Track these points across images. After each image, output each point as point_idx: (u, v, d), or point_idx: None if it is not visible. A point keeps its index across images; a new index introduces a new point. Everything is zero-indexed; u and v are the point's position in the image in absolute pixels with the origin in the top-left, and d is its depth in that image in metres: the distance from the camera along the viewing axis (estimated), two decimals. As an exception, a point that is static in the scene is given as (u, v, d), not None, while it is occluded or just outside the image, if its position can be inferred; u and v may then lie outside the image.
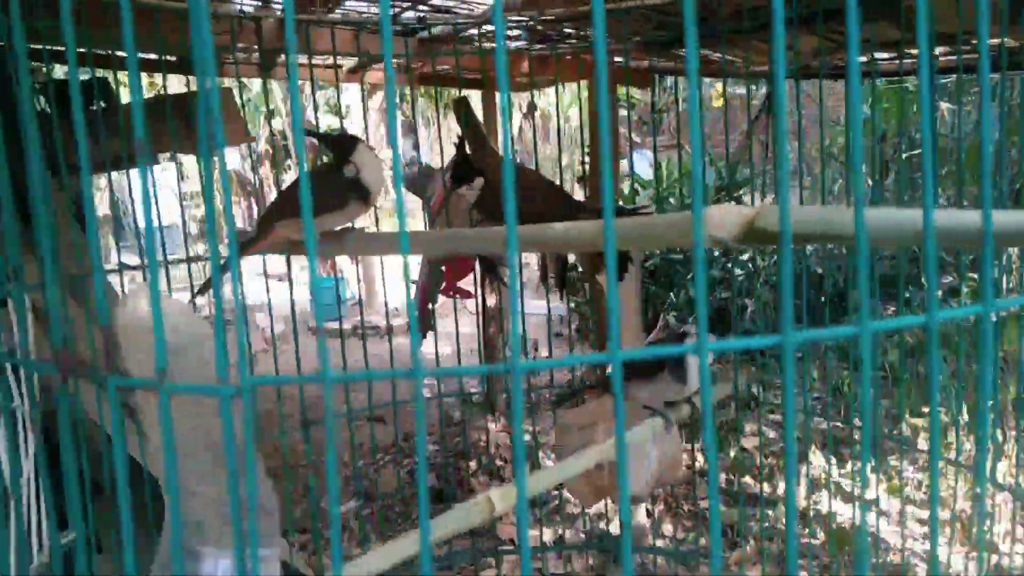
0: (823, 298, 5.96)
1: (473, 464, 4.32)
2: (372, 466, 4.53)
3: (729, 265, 6.13)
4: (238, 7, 2.93)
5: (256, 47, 2.97)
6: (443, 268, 4.12)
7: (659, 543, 3.42)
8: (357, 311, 8.64)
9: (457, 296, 4.30)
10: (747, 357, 5.52)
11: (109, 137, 2.49)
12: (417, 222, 8.37)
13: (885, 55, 3.39)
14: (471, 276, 4.27)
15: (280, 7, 2.95)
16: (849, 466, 3.78)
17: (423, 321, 4.17)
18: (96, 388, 1.60)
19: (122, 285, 2.75)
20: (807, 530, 3.28)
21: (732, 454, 3.96)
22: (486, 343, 5.21)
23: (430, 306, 4.15)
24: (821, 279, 6.04)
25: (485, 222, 3.43)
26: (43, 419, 1.67)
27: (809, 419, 4.36)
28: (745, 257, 6.29)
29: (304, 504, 4.13)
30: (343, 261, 9.92)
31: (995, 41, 2.27)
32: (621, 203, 5.82)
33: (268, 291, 3.11)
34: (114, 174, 2.71)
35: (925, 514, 3.32)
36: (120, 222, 13.62)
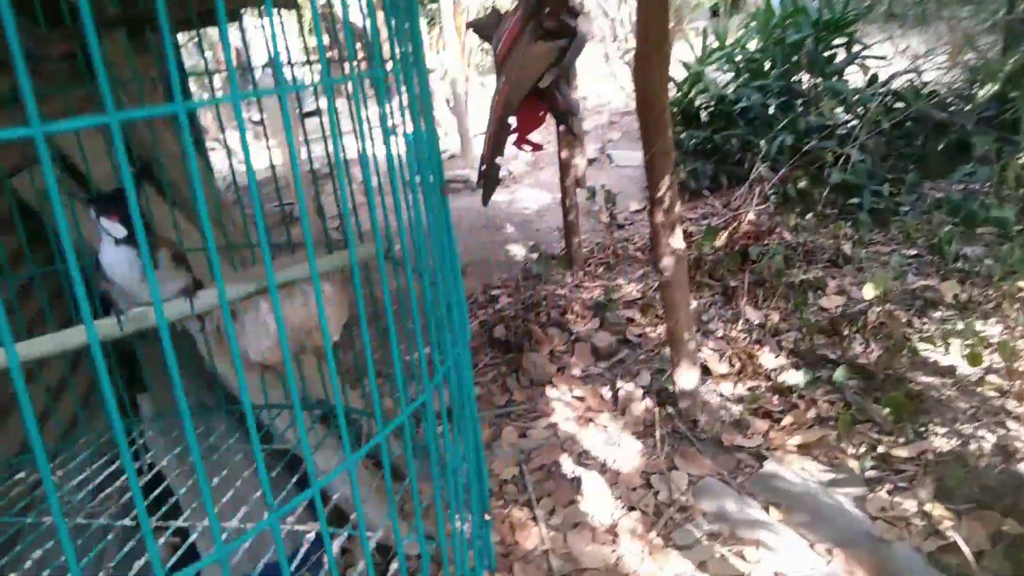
0: (940, 146, 5.44)
1: (543, 316, 4.36)
2: (447, 317, 4.66)
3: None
4: None
5: None
6: (511, 120, 3.99)
7: (719, 402, 3.40)
8: (451, 164, 8.67)
9: (527, 149, 4.19)
10: (839, 213, 5.18)
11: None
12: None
13: None
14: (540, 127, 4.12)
15: None
16: (938, 327, 3.55)
17: (488, 176, 4.10)
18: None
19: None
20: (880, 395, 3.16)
21: (805, 314, 3.80)
22: (564, 197, 5.12)
23: (497, 160, 4.06)
24: (941, 126, 5.48)
25: (557, 81, 3.26)
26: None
27: (903, 279, 4.09)
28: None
29: (385, 348, 4.34)
30: (441, 113, 9.85)
31: None
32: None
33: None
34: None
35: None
36: (245, 72, 13.95)
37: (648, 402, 3.46)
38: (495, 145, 3.92)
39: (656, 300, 4.29)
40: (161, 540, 2.57)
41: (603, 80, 11.27)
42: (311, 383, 2.66)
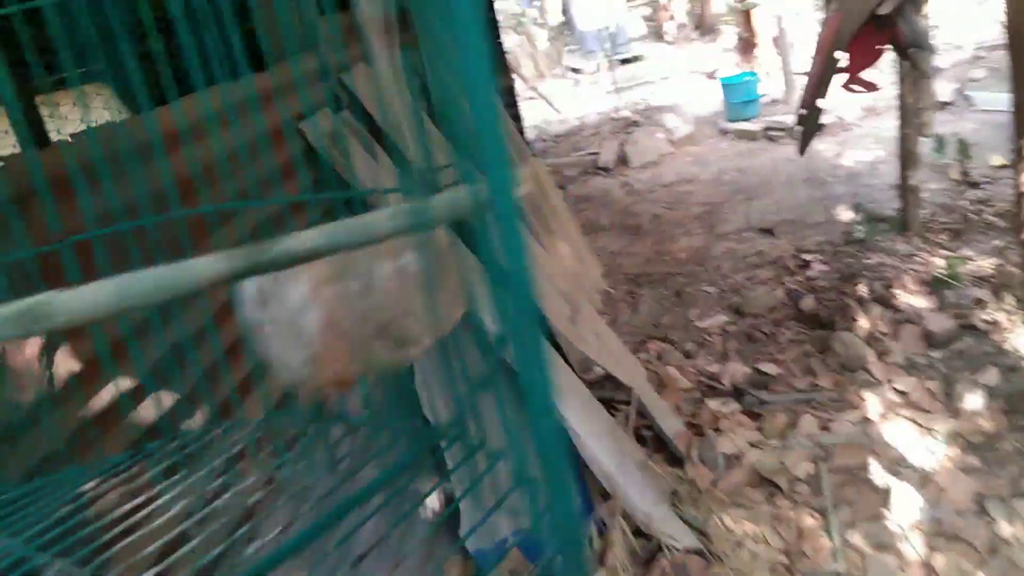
0: None
1: (863, 289, 3.75)
2: (749, 280, 4.24)
3: None
4: None
5: None
6: (840, 56, 3.41)
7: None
8: (772, 110, 7.93)
9: (859, 90, 3.57)
10: None
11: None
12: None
13: None
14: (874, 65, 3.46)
15: None
16: None
17: (808, 121, 3.56)
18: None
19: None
20: None
21: None
22: (904, 147, 4.33)
23: (820, 103, 3.51)
24: None
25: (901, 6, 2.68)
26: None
27: None
28: None
29: (675, 312, 4.08)
30: (765, 52, 9.04)
31: None
32: None
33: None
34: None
35: None
36: (568, 26, 14.29)
37: (993, 406, 2.79)
38: (818, 85, 3.37)
39: (1016, 279, 3.44)
40: (432, 491, 2.65)
41: (966, 5, 9.48)
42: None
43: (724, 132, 7.41)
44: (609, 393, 3.00)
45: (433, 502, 2.60)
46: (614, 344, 3.10)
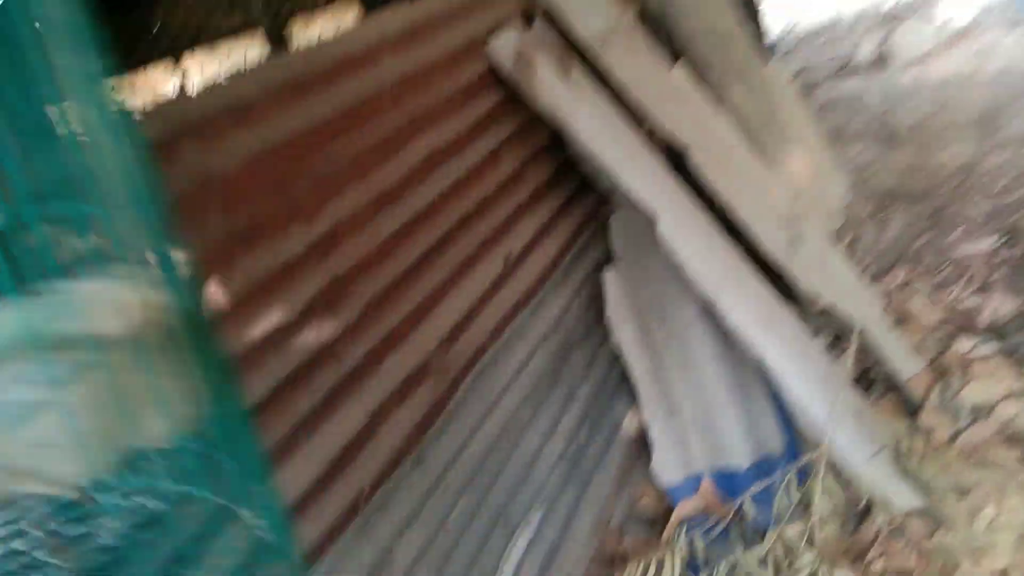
0: None
1: None
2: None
3: None
4: None
5: None
6: None
7: None
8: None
9: None
10: None
11: None
12: None
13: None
14: None
15: None
16: None
17: None
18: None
19: None
20: None
21: None
22: None
23: None
24: None
25: None
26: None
27: None
28: None
29: (930, 234, 3.55)
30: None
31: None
32: None
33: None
34: None
35: None
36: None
37: None
38: None
39: None
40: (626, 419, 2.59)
41: None
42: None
43: (1015, 23, 6.16)
44: (838, 327, 2.69)
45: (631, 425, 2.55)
46: (843, 272, 2.76)
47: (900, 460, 2.24)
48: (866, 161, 4.41)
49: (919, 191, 3.92)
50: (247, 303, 1.30)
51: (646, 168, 2.14)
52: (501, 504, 1.98)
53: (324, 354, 1.47)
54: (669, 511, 2.35)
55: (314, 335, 1.45)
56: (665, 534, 2.22)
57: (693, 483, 2.34)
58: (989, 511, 2.07)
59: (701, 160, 2.32)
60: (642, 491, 2.49)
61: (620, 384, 2.49)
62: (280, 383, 1.37)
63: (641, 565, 2.03)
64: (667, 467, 2.36)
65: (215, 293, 1.24)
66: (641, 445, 2.47)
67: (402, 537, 1.61)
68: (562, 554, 2.25)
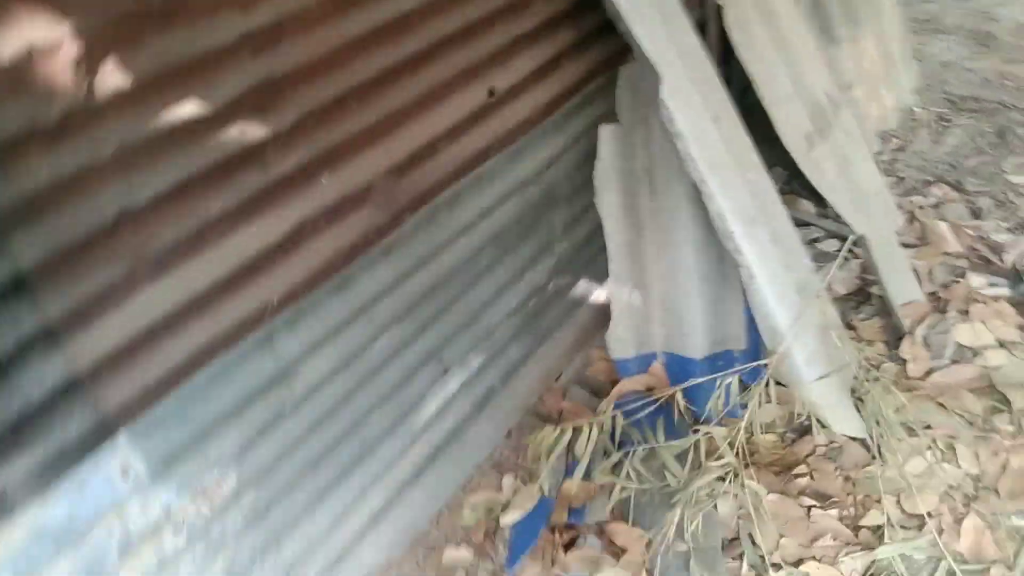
0: None
1: None
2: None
3: None
4: None
5: None
6: None
7: None
8: None
9: None
10: None
11: None
12: None
13: None
14: None
15: None
16: None
17: None
18: None
19: None
20: None
21: None
22: None
23: None
24: None
25: None
26: None
27: None
28: None
29: (988, 155, 3.24)
30: None
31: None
32: None
33: None
34: None
35: None
36: None
37: None
38: None
39: None
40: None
41: None
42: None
43: None
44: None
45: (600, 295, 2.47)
46: (866, 177, 2.53)
47: (859, 386, 2.15)
48: (949, 60, 3.97)
49: (994, 103, 3.55)
50: (150, 90, 1.20)
51: (662, 16, 1.90)
52: (437, 344, 1.95)
53: (245, 157, 1.38)
54: (615, 383, 2.33)
55: (234, 136, 1.35)
56: (601, 405, 2.20)
57: (644, 361, 2.29)
58: (930, 456, 2.00)
59: (734, 19, 2.06)
60: (596, 358, 2.45)
61: (601, 251, 2.38)
62: (187, 179, 1.29)
63: (563, 429, 2.03)
64: (622, 341, 2.30)
65: (111, 72, 1.14)
66: (606, 314, 2.41)
67: (310, 356, 1.59)
68: (499, 400, 2.26)
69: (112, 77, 1.14)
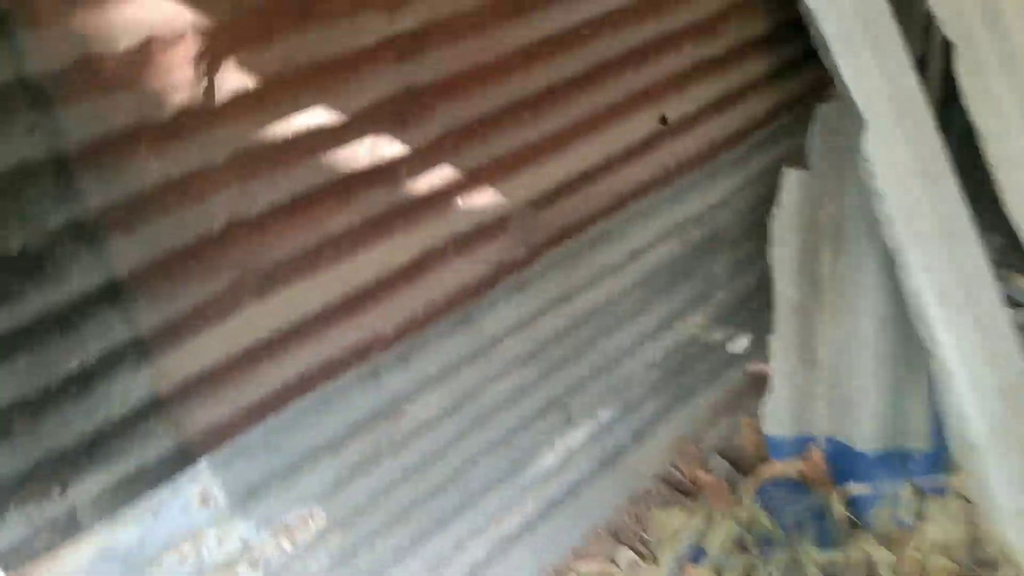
0: None
1: None
2: None
3: None
4: None
5: None
6: None
7: None
8: None
9: None
10: None
11: None
12: None
13: None
14: None
15: None
16: None
17: None
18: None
19: None
20: None
21: None
22: None
23: None
24: None
25: None
26: None
27: None
28: None
29: None
30: None
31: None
32: None
33: None
34: None
35: None
36: None
37: None
38: None
39: None
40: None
41: None
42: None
43: None
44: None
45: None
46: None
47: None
48: None
49: None
50: (277, 92, 1.08)
51: (876, 50, 1.60)
52: (562, 392, 1.75)
53: (375, 173, 1.24)
54: (764, 460, 2.04)
55: (366, 148, 1.21)
56: (744, 484, 1.92)
57: (801, 443, 1.98)
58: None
59: (968, 62, 1.72)
60: (745, 428, 2.17)
61: (766, 307, 2.10)
62: (308, 191, 1.18)
63: (695, 512, 1.77)
64: (778, 414, 2.00)
65: (235, 70, 1.03)
66: (763, 380, 2.12)
67: (419, 394, 1.44)
68: (627, 459, 2.04)
69: (235, 76, 1.04)
